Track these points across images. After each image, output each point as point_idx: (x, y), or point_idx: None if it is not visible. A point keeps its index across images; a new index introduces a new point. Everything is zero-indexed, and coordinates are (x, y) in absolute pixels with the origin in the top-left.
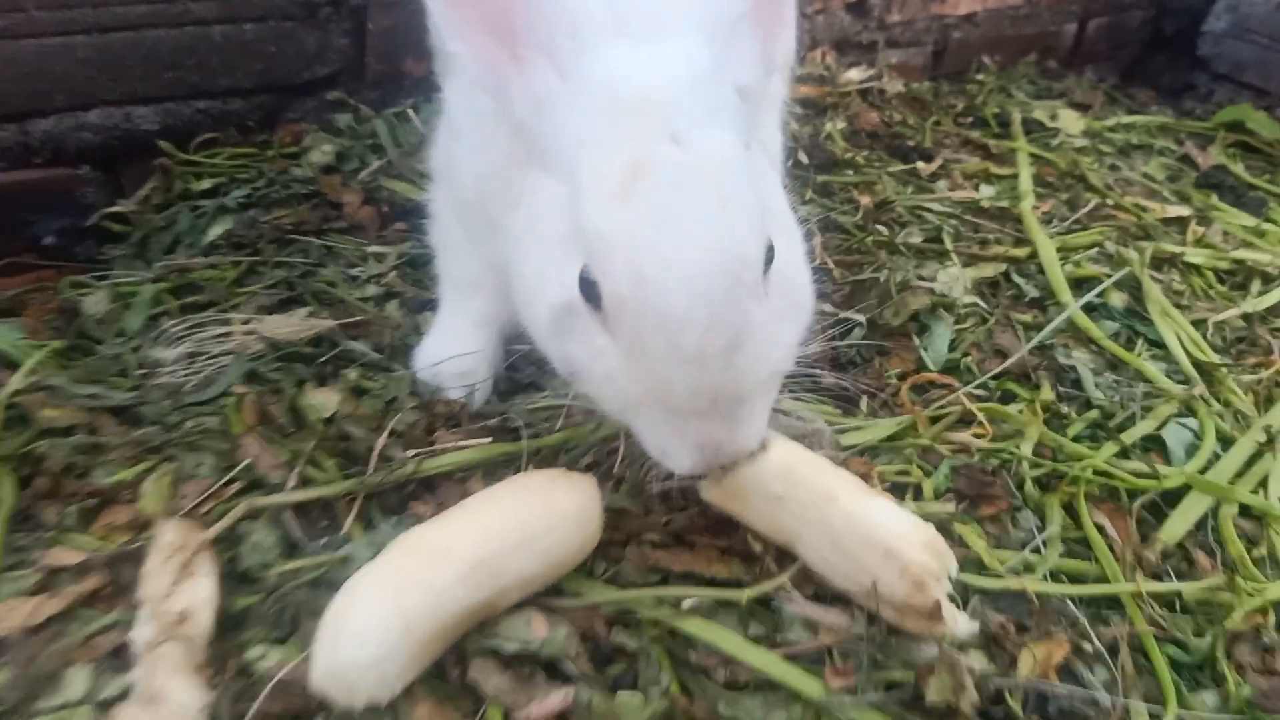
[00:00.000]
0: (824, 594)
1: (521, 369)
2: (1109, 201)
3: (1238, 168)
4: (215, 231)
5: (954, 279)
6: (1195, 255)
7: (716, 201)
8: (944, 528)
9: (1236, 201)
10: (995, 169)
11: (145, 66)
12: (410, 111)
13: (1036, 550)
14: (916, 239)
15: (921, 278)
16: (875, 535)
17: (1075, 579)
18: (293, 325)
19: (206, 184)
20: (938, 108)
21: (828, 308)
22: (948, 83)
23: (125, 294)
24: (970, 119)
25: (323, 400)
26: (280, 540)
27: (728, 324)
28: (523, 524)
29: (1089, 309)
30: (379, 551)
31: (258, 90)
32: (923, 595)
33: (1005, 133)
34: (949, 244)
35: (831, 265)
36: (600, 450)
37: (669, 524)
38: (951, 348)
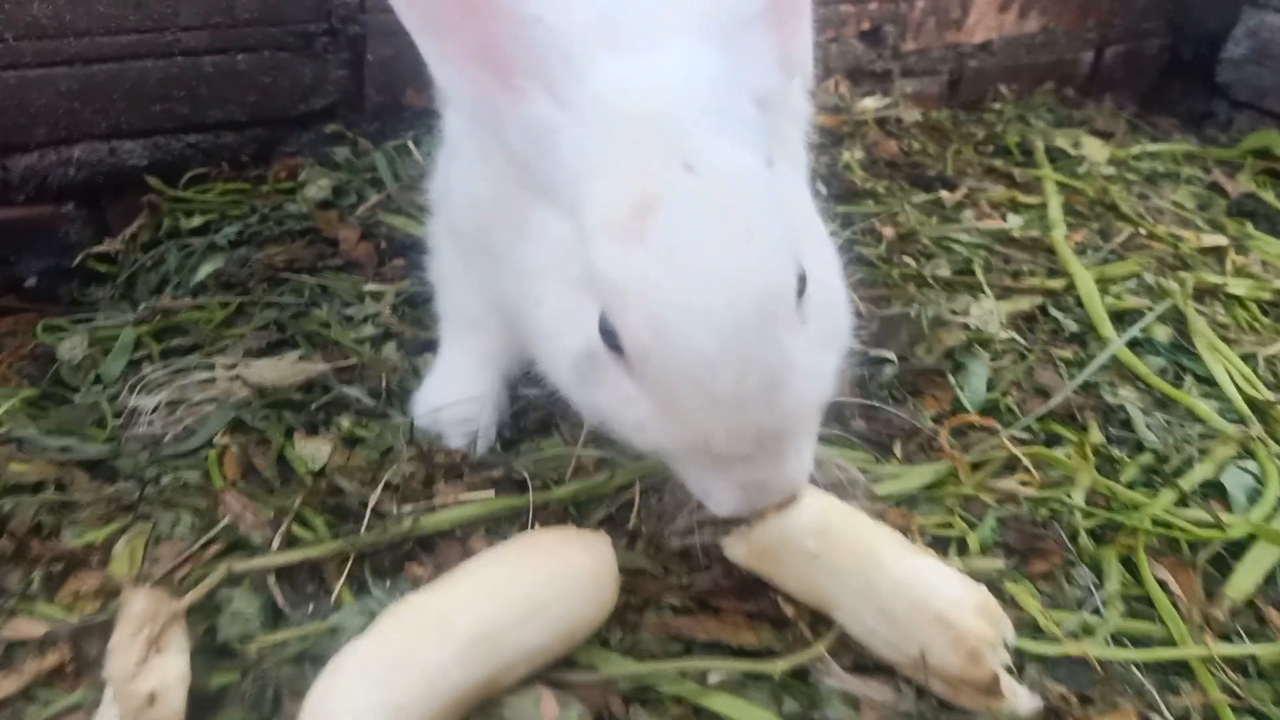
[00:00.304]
0: (865, 664)
1: (528, 414)
2: (1142, 231)
3: (1268, 195)
4: (205, 270)
5: (988, 313)
6: (1237, 286)
7: (740, 231)
8: (993, 587)
9: (1272, 230)
10: (1022, 197)
11: (131, 99)
12: (410, 144)
13: (1095, 611)
14: (945, 271)
15: (954, 312)
16: (924, 599)
17: (1139, 642)
18: (282, 370)
19: (197, 221)
20: (957, 136)
21: (856, 345)
22: (964, 112)
23: (104, 338)
24: (991, 148)
25: (313, 451)
26: (263, 608)
27: (764, 363)
28: (531, 591)
29: (1132, 344)
30: (370, 620)
31: (251, 123)
32: (979, 667)
33: (1029, 161)
34: (980, 276)
35: (857, 301)
36: (613, 502)
37: (691, 586)
38: (990, 387)
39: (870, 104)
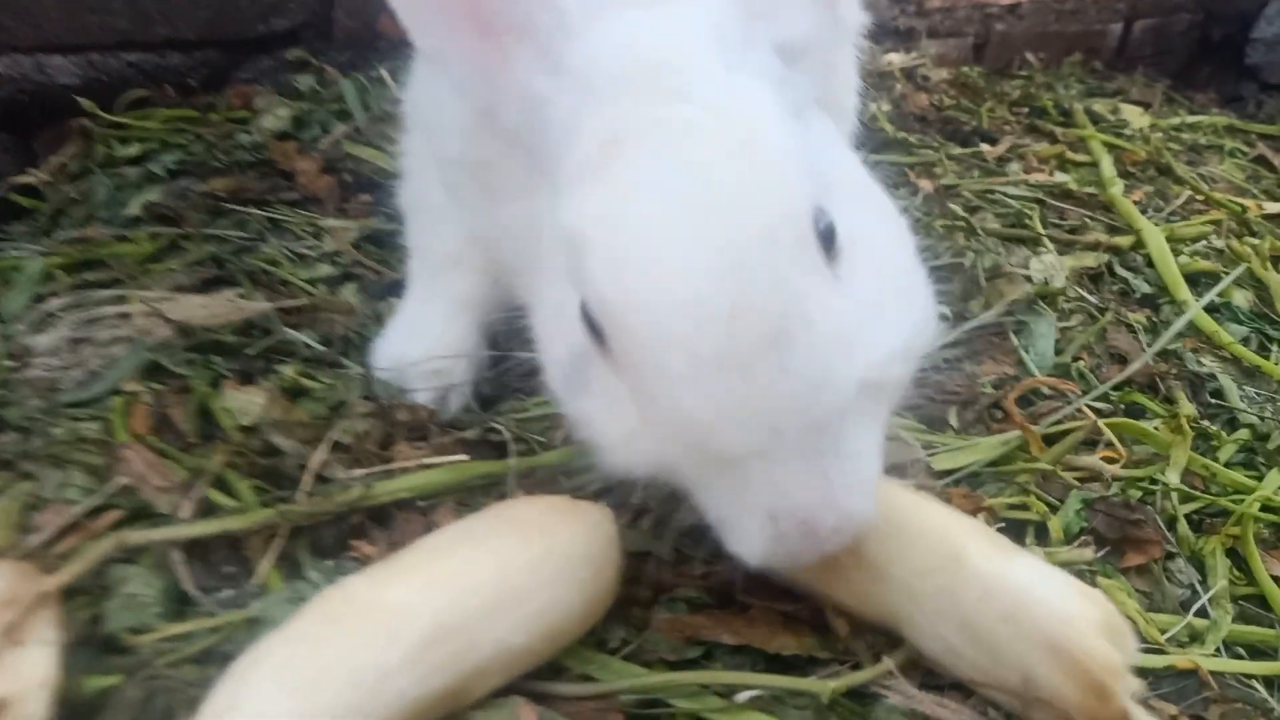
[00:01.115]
0: (937, 679)
1: (512, 369)
2: (1198, 196)
3: None
4: (137, 202)
5: (1051, 268)
6: None
7: (732, 146)
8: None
9: None
10: (1070, 154)
11: (64, 6)
12: (385, 75)
13: (1203, 613)
14: (995, 224)
15: (1012, 265)
16: (1028, 615)
17: (1258, 652)
18: (213, 308)
19: (134, 150)
20: (990, 94)
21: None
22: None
23: (6, 268)
24: (1027, 109)
25: (243, 403)
26: (165, 592)
27: (765, 304)
28: (507, 576)
29: (1209, 310)
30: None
31: (202, 44)
32: (1106, 704)
33: (1069, 122)
34: (1039, 227)
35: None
36: None
37: (711, 575)
38: (1057, 350)
39: (896, 58)
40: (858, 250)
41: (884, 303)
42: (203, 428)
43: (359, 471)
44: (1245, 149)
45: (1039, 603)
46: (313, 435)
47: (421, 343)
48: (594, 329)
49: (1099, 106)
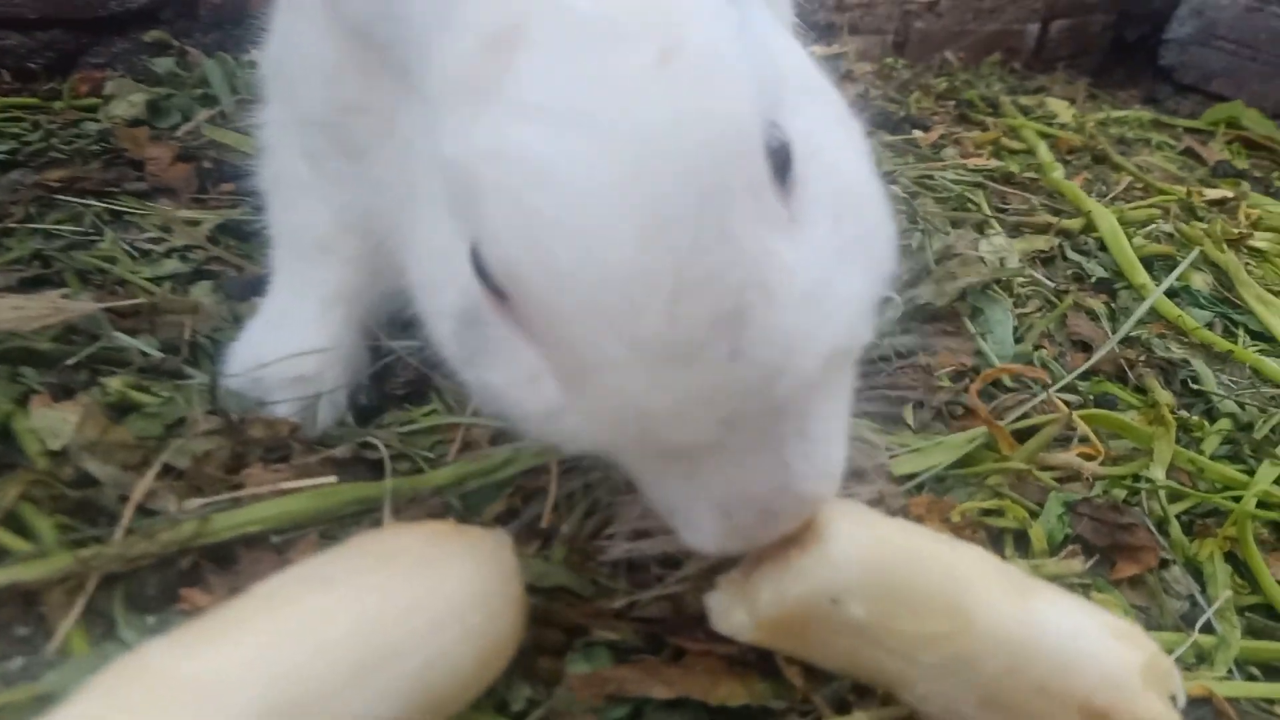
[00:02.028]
0: None
1: (395, 374)
2: (1139, 184)
3: (1243, 163)
4: None
5: (1004, 249)
6: (1260, 239)
7: (653, 55)
8: None
9: (1266, 193)
10: (1006, 141)
11: None
12: (256, 57)
13: (1207, 628)
14: (936, 210)
15: (962, 248)
16: (1065, 684)
17: (1273, 671)
18: (27, 310)
19: None
20: (916, 86)
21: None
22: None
23: None
24: (953, 101)
25: (54, 421)
26: None
27: (714, 278)
28: (371, 627)
29: (1168, 294)
30: None
31: (43, 23)
32: None
33: (998, 113)
34: (986, 208)
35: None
36: (520, 492)
37: (639, 613)
38: (1016, 338)
39: (818, 49)
40: (814, 168)
41: (849, 242)
42: (3, 453)
43: (196, 502)
44: (1172, 142)
45: (1077, 667)
46: (141, 459)
47: (284, 343)
48: (491, 284)
49: (1025, 100)
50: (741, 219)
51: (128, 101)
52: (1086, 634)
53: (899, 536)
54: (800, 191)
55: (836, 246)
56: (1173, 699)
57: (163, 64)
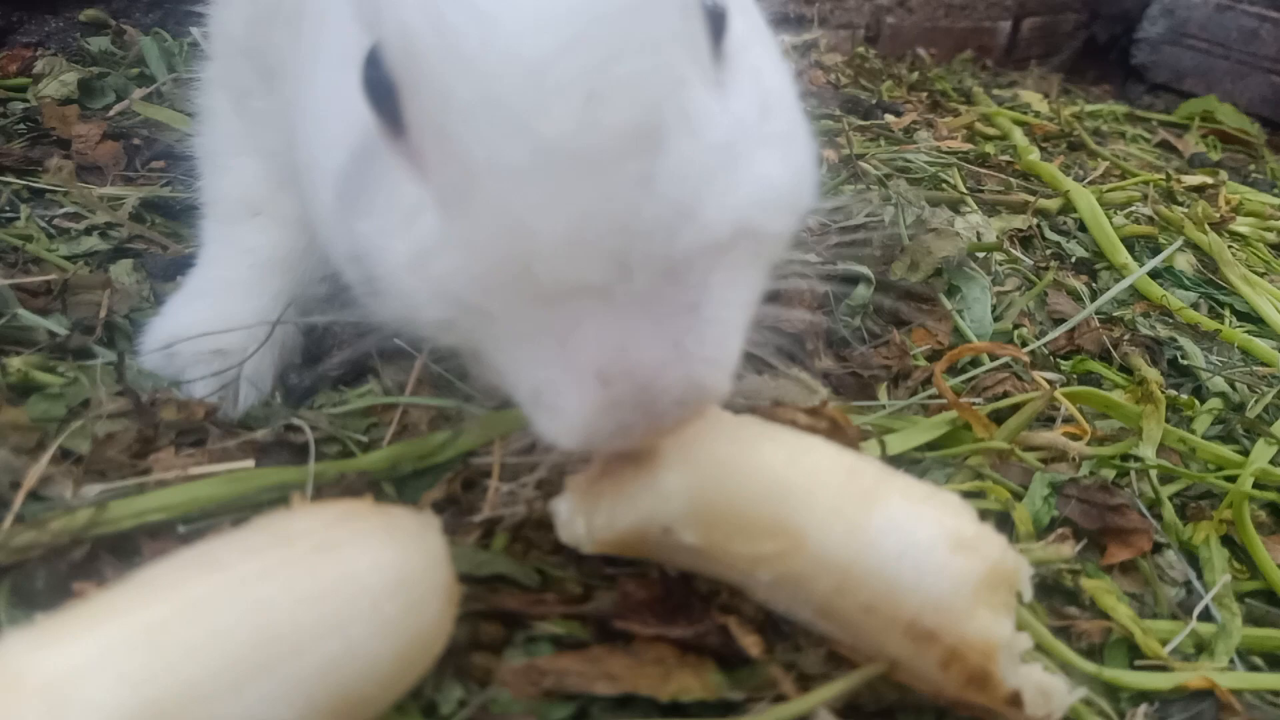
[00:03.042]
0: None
1: (328, 349)
2: (1115, 170)
3: (1218, 155)
4: None
5: (980, 226)
6: (1242, 224)
7: None
8: (1060, 587)
9: (1243, 182)
10: (981, 126)
11: None
12: (198, 36)
13: (1205, 615)
14: (909, 189)
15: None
16: (891, 605)
17: (1278, 661)
18: None
19: None
20: (888, 75)
21: (812, 258)
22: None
23: None
24: (925, 91)
25: None
26: None
27: (637, 86)
28: (267, 617)
29: (1152, 276)
30: None
31: None
32: (989, 692)
33: (970, 102)
34: (961, 186)
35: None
36: (461, 478)
37: (586, 599)
38: (995, 316)
39: (788, 37)
40: (744, 63)
41: (769, 132)
42: None
43: (95, 488)
44: (1147, 135)
45: (904, 589)
46: (37, 442)
47: (204, 315)
48: (385, 107)
49: (998, 92)
50: (670, 38)
51: (59, 81)
52: (918, 550)
53: (734, 452)
54: (728, 67)
55: (758, 129)
56: (1019, 595)
57: (97, 43)
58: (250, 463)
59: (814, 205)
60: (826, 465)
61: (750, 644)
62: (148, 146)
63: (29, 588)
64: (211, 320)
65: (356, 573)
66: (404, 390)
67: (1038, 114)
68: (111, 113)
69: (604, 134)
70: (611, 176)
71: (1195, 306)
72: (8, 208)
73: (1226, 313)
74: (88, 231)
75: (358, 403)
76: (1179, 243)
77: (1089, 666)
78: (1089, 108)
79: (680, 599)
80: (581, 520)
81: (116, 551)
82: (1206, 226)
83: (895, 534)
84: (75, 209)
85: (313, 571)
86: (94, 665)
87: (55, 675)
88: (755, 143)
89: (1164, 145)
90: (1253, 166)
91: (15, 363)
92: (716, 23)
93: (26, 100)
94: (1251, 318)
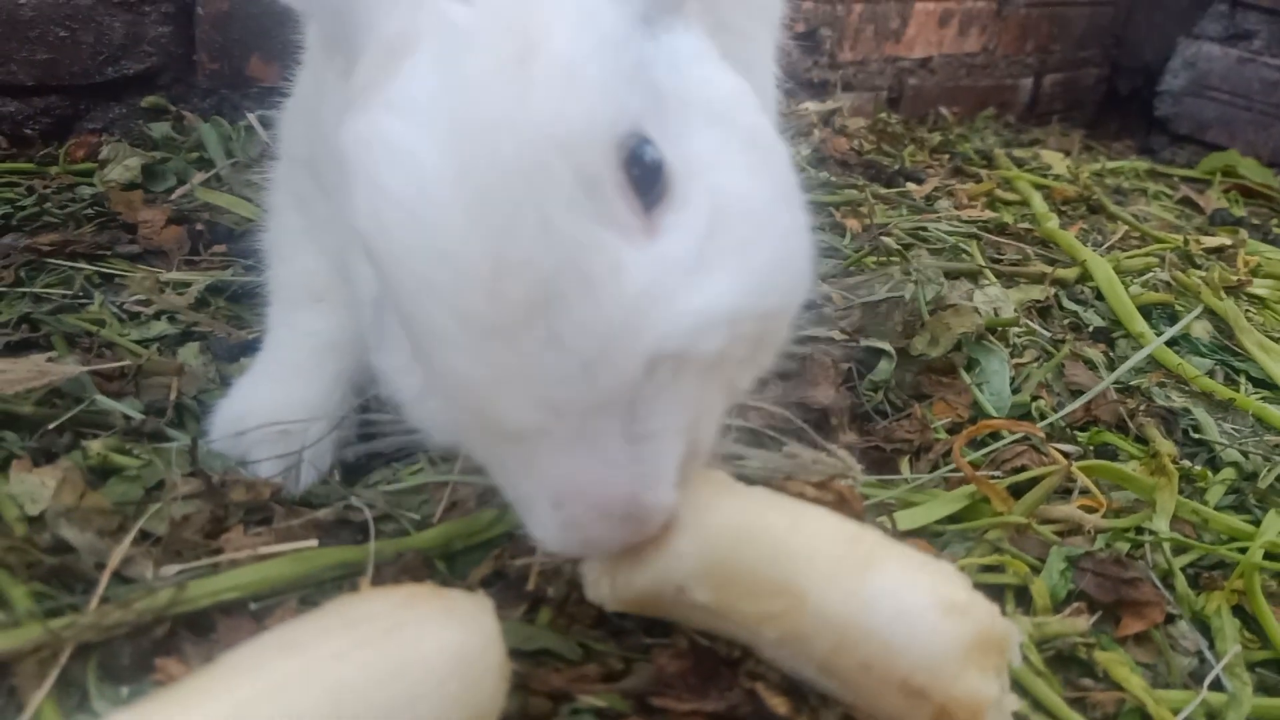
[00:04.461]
0: None
1: (383, 433)
2: (1135, 233)
3: (1241, 211)
4: None
5: (998, 299)
6: (1260, 286)
7: (510, 61)
8: (1076, 660)
9: (1265, 240)
10: (1000, 192)
11: None
12: (254, 121)
13: (1216, 685)
14: (930, 261)
15: (956, 299)
16: (886, 663)
17: None
18: (13, 374)
19: None
20: (910, 140)
21: (836, 334)
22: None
23: None
24: (947, 154)
25: (33, 487)
26: None
27: (531, 260)
28: (341, 697)
29: (1167, 344)
30: None
31: (41, 89)
32: None
33: (992, 165)
34: (980, 258)
35: (826, 288)
36: (507, 554)
37: (626, 673)
38: (1013, 388)
39: (812, 105)
40: (702, 183)
41: (711, 258)
42: None
43: (173, 569)
44: (1169, 191)
45: (898, 648)
46: (118, 524)
47: (269, 397)
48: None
49: (1019, 153)
50: (568, 213)
51: (123, 166)
52: (912, 614)
53: (742, 519)
54: (672, 204)
55: (700, 257)
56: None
57: (159, 128)
58: (314, 541)
59: (797, 286)
60: (828, 532)
61: (778, 704)
62: (209, 231)
63: (116, 663)
64: (276, 402)
65: (422, 655)
66: (453, 468)
67: (1058, 176)
68: (174, 196)
69: (509, 305)
70: (521, 341)
71: (1211, 373)
72: (81, 293)
73: (1242, 379)
74: (157, 316)
75: (410, 480)
76: (1195, 313)
77: None
78: (1110, 165)
79: (710, 668)
80: (606, 581)
81: (194, 628)
82: (1222, 292)
83: (890, 597)
84: (144, 294)
85: (383, 653)
86: None
87: None
88: (689, 275)
89: (1185, 201)
90: (1275, 222)
91: (95, 446)
92: (650, 175)
93: (93, 185)
94: (1267, 384)
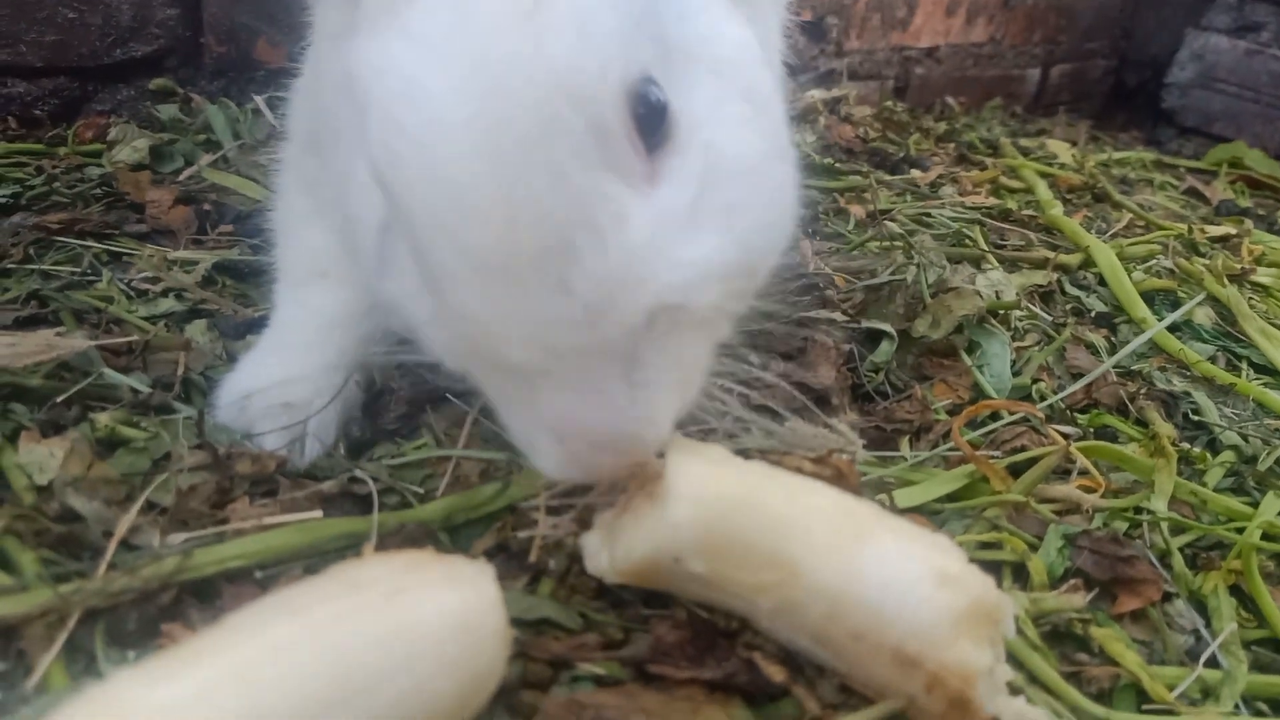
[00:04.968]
0: None
1: (388, 407)
2: (1139, 222)
3: (1247, 202)
4: None
5: (1000, 283)
6: (1263, 275)
7: (519, 6)
8: (1072, 635)
9: (1270, 230)
10: (1005, 180)
11: None
12: (262, 104)
13: (1212, 663)
14: (934, 247)
15: (958, 282)
16: (878, 632)
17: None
18: (21, 348)
19: None
20: (916, 128)
21: (838, 316)
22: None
23: None
24: (953, 143)
25: (41, 457)
26: None
27: (543, 209)
28: (341, 658)
29: (1170, 329)
30: None
31: (50, 71)
32: (968, 715)
33: (997, 154)
34: (982, 243)
35: (830, 271)
36: (509, 527)
37: (625, 644)
38: (1014, 371)
39: (818, 93)
40: (700, 136)
41: (711, 210)
42: None
43: (180, 537)
44: (1175, 182)
45: (889, 616)
46: (125, 494)
47: (274, 370)
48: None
49: (1025, 142)
50: (579, 161)
51: (131, 147)
52: (904, 583)
53: (738, 491)
54: (672, 152)
55: (695, 210)
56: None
57: (166, 110)
58: (318, 513)
59: (782, 240)
60: (824, 505)
61: (774, 672)
62: (216, 211)
63: (122, 629)
64: (281, 376)
65: (422, 618)
66: (456, 443)
67: (1063, 165)
68: (181, 177)
69: (519, 251)
70: (529, 284)
71: (1213, 359)
72: (89, 271)
73: (1244, 365)
74: (164, 293)
75: (414, 455)
76: (1198, 299)
77: (1098, 710)
78: (1116, 155)
79: (708, 639)
80: (605, 553)
81: (200, 595)
82: (1225, 279)
83: (883, 567)
84: (152, 272)
85: (382, 616)
86: (192, 700)
87: (158, 709)
88: (685, 227)
89: (1191, 192)
90: (1279, 213)
91: (103, 419)
92: (654, 116)
93: (101, 165)
94: (1269, 370)
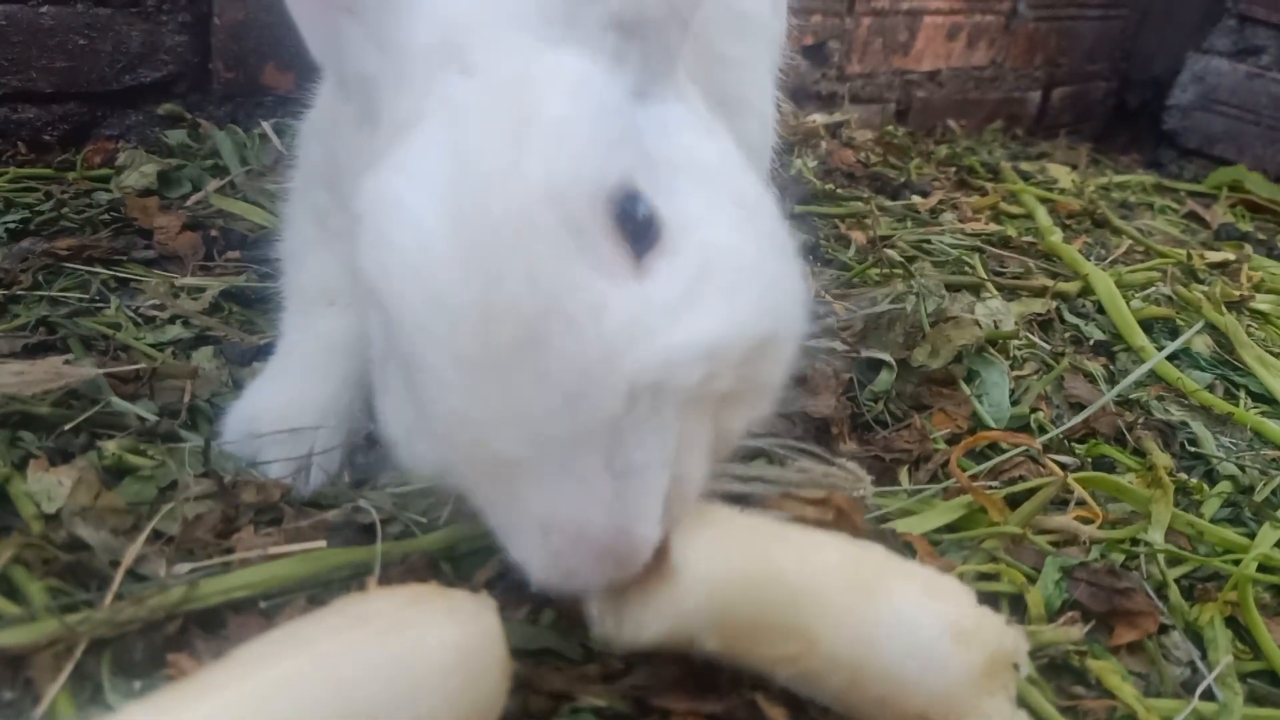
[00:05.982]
0: None
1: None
2: (1139, 247)
3: (1247, 226)
4: None
5: (999, 312)
6: (1262, 301)
7: (507, 127)
8: (1069, 667)
9: (1270, 255)
10: (1005, 206)
11: None
12: (268, 130)
13: (1208, 695)
14: (932, 273)
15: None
16: (899, 699)
17: None
18: (30, 375)
19: None
20: (917, 153)
21: (838, 344)
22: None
23: None
24: (954, 167)
25: (49, 486)
26: None
27: (517, 302)
28: (345, 691)
29: (1168, 357)
30: None
31: (60, 96)
32: None
33: (998, 179)
34: (982, 271)
35: (830, 299)
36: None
37: (626, 675)
38: (1013, 400)
39: (820, 117)
40: (695, 236)
41: (697, 300)
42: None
43: (185, 567)
44: (1175, 206)
45: (911, 684)
46: (132, 524)
47: (279, 402)
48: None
49: (1026, 166)
50: (553, 256)
51: (139, 172)
52: (922, 646)
53: (750, 564)
54: (662, 253)
55: (685, 299)
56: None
57: (175, 136)
58: (322, 542)
59: (784, 326)
60: (833, 561)
61: (777, 715)
62: (224, 237)
63: (128, 659)
64: (287, 404)
65: (425, 651)
66: None
67: (1063, 190)
68: (189, 203)
69: (497, 345)
70: (509, 375)
71: (1211, 387)
72: (97, 297)
73: (1242, 393)
74: (171, 320)
75: (418, 485)
76: (1196, 328)
77: None
78: (1117, 178)
79: (710, 674)
80: (611, 620)
81: (205, 625)
82: (1223, 307)
83: (900, 629)
84: (159, 298)
85: (386, 650)
86: None
87: None
88: (673, 314)
89: (1192, 216)
90: (1279, 237)
91: (110, 446)
92: (641, 221)
93: (110, 190)
94: (1266, 398)
